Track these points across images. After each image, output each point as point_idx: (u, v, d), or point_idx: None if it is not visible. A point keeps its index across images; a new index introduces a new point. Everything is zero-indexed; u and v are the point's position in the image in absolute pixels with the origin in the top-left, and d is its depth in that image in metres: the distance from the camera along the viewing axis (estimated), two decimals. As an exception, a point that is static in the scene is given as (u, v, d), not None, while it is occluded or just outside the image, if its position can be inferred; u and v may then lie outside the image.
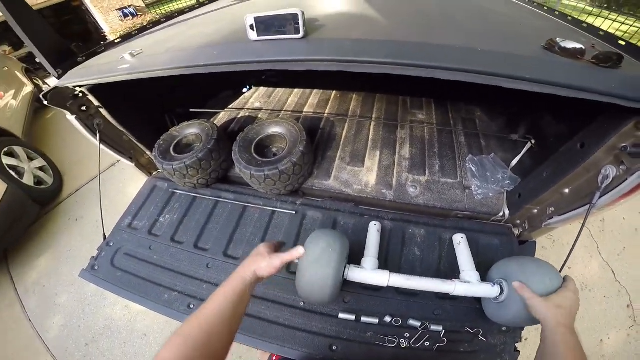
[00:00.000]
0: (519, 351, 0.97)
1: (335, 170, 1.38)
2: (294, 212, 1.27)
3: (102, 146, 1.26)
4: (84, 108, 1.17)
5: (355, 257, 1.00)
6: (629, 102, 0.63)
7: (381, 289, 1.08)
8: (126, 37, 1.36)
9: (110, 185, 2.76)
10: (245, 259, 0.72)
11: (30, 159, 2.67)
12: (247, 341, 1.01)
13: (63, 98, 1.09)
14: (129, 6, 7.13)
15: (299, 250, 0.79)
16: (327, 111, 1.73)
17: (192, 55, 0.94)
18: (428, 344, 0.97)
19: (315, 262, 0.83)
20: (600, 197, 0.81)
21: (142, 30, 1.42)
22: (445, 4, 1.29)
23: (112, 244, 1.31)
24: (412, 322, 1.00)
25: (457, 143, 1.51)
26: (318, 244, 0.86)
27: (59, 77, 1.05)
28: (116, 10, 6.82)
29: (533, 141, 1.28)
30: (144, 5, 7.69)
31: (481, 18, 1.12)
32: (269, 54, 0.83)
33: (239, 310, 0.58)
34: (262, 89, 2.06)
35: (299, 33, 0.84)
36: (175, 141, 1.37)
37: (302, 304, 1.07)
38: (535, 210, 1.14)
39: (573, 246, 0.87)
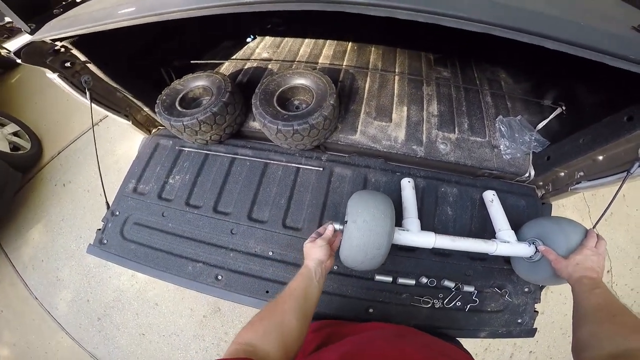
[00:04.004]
0: (537, 311, 1.02)
1: (362, 125, 1.28)
2: (320, 169, 1.19)
3: (93, 105, 1.11)
4: (67, 64, 1.02)
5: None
6: None
7: (416, 250, 1.06)
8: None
9: (97, 145, 2.51)
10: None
11: (1, 124, 2.41)
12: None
13: (40, 54, 0.95)
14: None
15: (328, 228, 0.81)
16: (345, 63, 1.57)
17: None
18: (460, 303, 0.99)
19: (368, 229, 0.76)
20: (638, 167, 0.82)
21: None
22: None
23: (118, 213, 1.19)
24: (446, 282, 1.01)
25: (484, 103, 1.44)
26: (367, 209, 0.79)
27: (31, 32, 0.90)
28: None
29: (564, 107, 1.23)
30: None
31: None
32: None
33: (308, 303, 0.62)
34: (268, 39, 1.84)
35: None
36: (180, 95, 1.23)
37: (335, 267, 1.03)
38: (562, 174, 1.13)
39: (607, 207, 0.88)
